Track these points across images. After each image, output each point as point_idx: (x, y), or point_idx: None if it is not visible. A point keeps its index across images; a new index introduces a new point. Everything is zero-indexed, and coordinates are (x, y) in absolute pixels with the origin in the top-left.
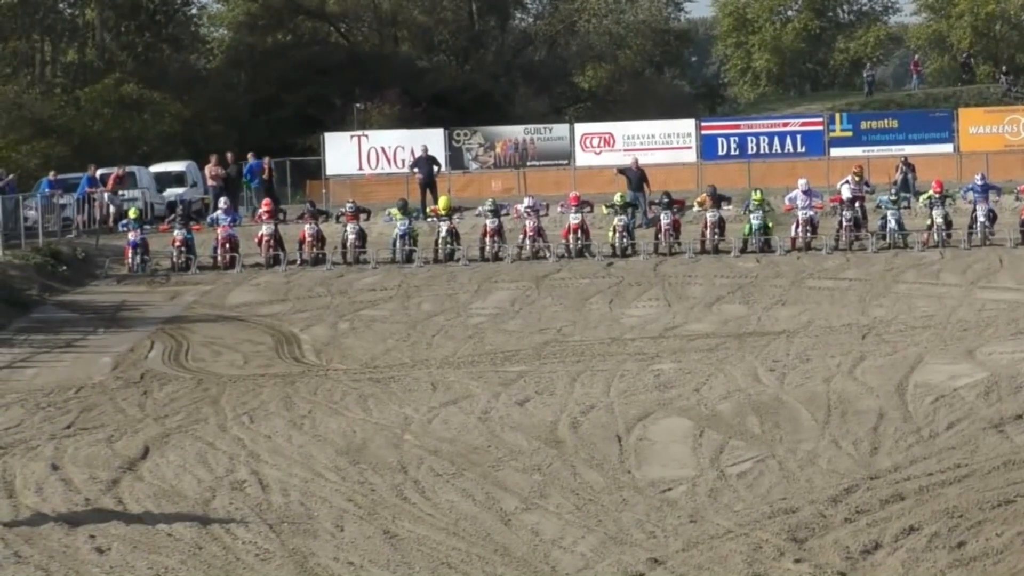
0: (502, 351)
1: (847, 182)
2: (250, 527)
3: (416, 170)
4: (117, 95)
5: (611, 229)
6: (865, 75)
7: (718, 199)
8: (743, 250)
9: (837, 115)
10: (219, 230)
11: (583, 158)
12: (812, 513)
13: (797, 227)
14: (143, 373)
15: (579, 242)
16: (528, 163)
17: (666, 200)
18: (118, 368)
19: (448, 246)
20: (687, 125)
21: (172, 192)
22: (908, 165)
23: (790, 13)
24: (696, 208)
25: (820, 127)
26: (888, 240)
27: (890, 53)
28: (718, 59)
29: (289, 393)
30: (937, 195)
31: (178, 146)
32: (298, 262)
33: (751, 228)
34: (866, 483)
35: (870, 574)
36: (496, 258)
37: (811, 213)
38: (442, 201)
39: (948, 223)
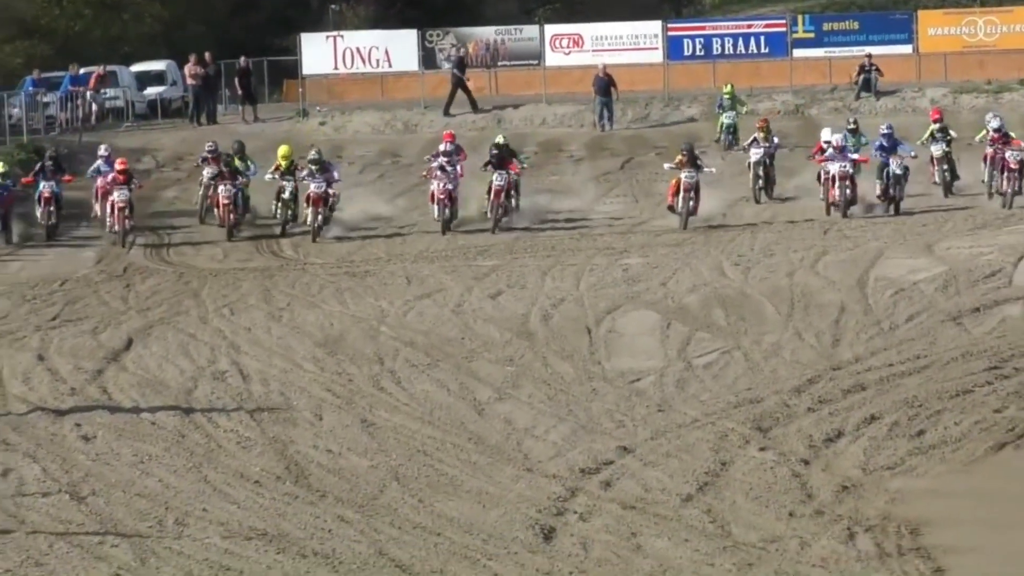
0: (474, 246)
1: (755, 140)
2: (231, 416)
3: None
4: None
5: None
6: None
7: (694, 159)
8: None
9: (800, 17)
10: (99, 181)
11: (552, 58)
12: (776, 403)
13: (832, 183)
14: (126, 267)
15: (500, 208)
16: (499, 64)
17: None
18: (102, 262)
19: (289, 211)
20: (654, 26)
21: (152, 91)
22: (872, 65)
23: None
24: (668, 167)
25: (783, 28)
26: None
27: None
28: None
29: (268, 287)
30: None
31: (159, 47)
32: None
33: (722, 126)
34: (828, 374)
35: (832, 461)
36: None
37: (849, 168)
38: (282, 150)
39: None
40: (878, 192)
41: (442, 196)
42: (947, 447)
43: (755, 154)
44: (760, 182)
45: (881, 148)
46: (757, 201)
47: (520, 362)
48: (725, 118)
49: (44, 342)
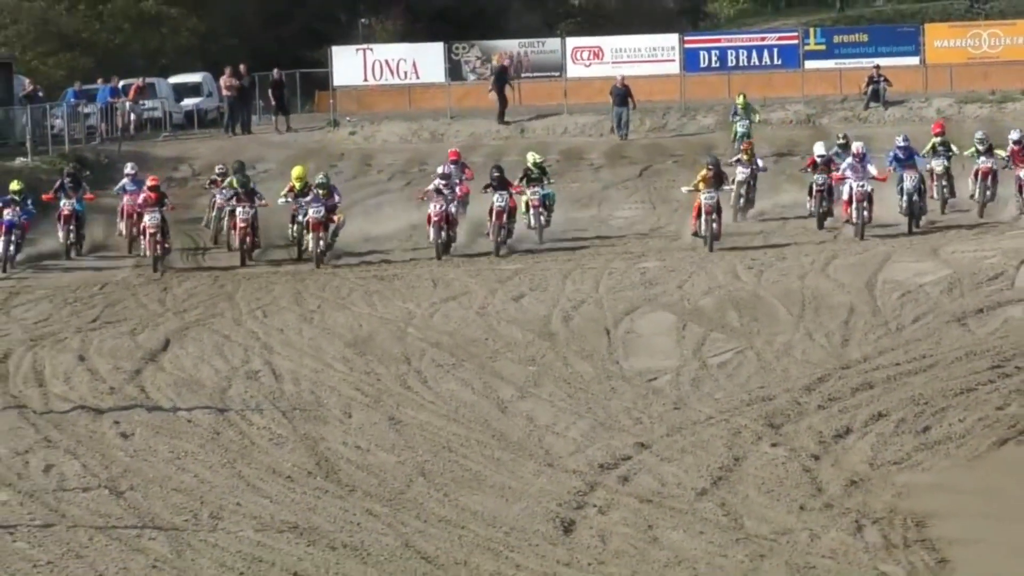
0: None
1: (739, 160)
2: (264, 414)
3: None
4: (137, 10)
5: (524, 204)
6: None
7: (720, 176)
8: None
9: (811, 30)
10: (126, 199)
11: (574, 70)
12: (787, 400)
13: (851, 203)
14: (163, 271)
15: (503, 231)
16: (522, 75)
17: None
18: (139, 267)
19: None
20: (671, 39)
21: (189, 102)
22: (881, 76)
23: None
24: (687, 190)
25: (795, 41)
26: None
27: None
28: None
29: (299, 290)
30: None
31: (195, 59)
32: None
33: (736, 134)
34: (838, 372)
35: (841, 457)
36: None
37: (868, 187)
38: (296, 171)
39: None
40: (901, 208)
41: (437, 218)
42: (952, 443)
43: (741, 173)
44: (740, 201)
45: (896, 159)
46: (734, 219)
47: (542, 362)
48: (739, 127)
49: (84, 343)
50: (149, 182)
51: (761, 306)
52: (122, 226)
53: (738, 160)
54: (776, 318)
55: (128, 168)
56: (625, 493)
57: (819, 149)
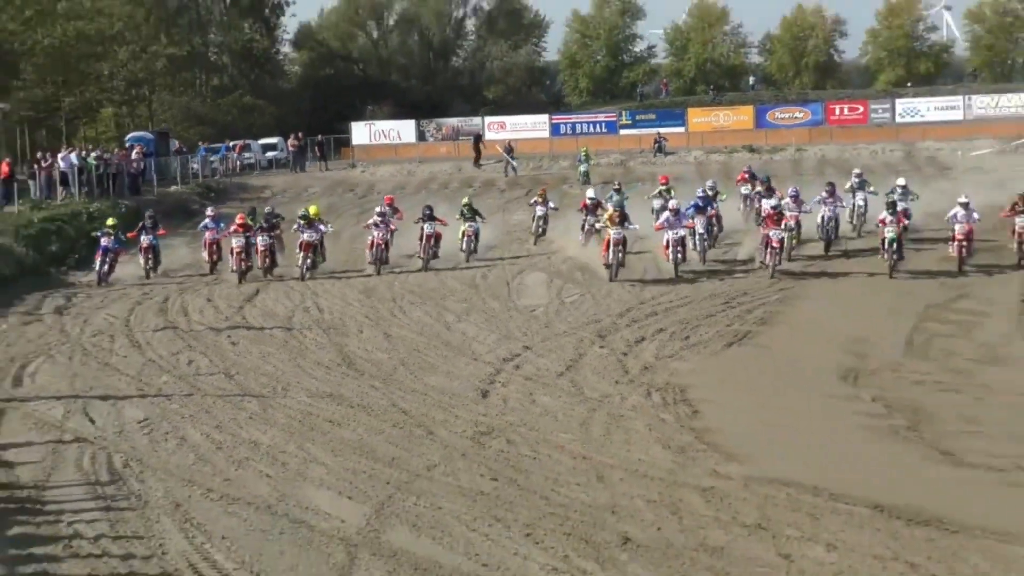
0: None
1: (659, 195)
2: (312, 331)
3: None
4: (240, 102)
5: (460, 233)
6: (638, 89)
7: (624, 216)
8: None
9: (623, 111)
10: (208, 234)
11: (488, 135)
12: (609, 322)
13: (669, 247)
14: (244, 283)
15: (431, 251)
16: (459, 137)
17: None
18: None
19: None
20: (544, 118)
21: (270, 154)
22: (662, 137)
23: (598, 57)
24: (600, 226)
25: (615, 118)
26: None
27: (651, 78)
28: (561, 81)
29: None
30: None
31: (273, 129)
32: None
33: (580, 172)
34: (637, 307)
35: (639, 354)
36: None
37: (682, 233)
38: (312, 209)
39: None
40: (695, 246)
41: (380, 243)
42: (701, 346)
43: (540, 209)
44: (539, 229)
45: (696, 208)
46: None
47: (470, 301)
48: (581, 167)
49: (210, 291)
50: (238, 219)
51: (591, 269)
52: (204, 254)
53: (658, 194)
54: (602, 277)
55: (209, 211)
56: (517, 375)
57: (590, 193)
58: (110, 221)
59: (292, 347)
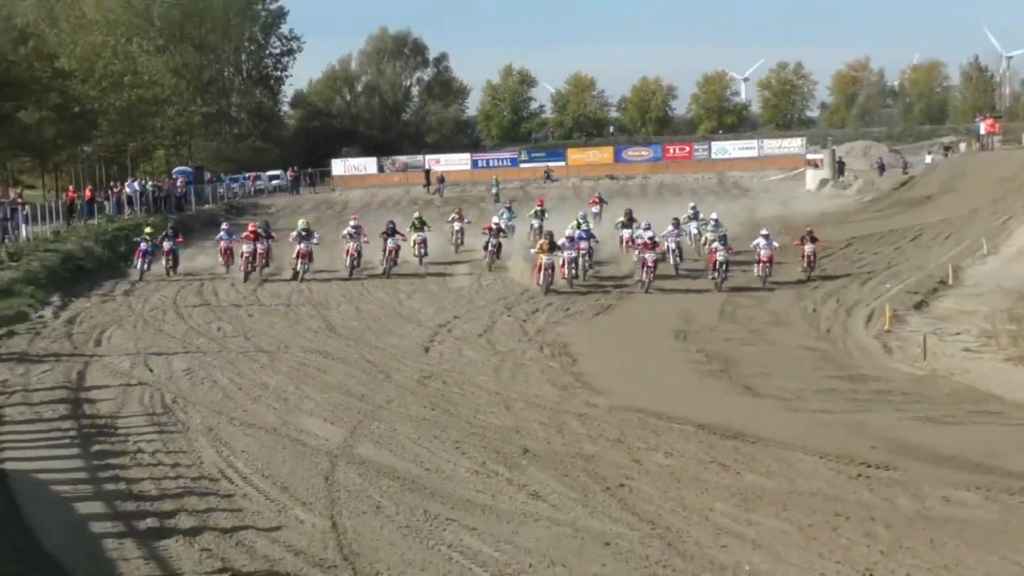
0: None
1: (535, 215)
2: (304, 306)
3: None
4: (254, 146)
5: (412, 242)
6: (533, 135)
7: (553, 245)
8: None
9: (522, 150)
10: (222, 243)
11: (433, 168)
12: (513, 299)
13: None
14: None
15: (391, 262)
16: (408, 169)
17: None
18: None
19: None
20: (467, 156)
21: (275, 181)
22: (550, 169)
23: (505, 113)
24: (533, 252)
25: (516, 156)
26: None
27: (542, 127)
28: (479, 130)
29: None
30: (539, 209)
31: (277, 163)
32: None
33: (494, 194)
34: (526, 295)
35: (534, 321)
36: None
37: (572, 254)
38: (301, 222)
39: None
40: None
41: (354, 253)
42: (579, 315)
43: (456, 224)
44: (458, 240)
45: (580, 237)
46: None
47: (416, 285)
48: (494, 190)
49: (232, 280)
50: (251, 227)
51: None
52: (221, 259)
53: (453, 219)
54: (507, 267)
55: (224, 225)
56: (449, 336)
57: (495, 219)
58: (148, 229)
59: (291, 317)
